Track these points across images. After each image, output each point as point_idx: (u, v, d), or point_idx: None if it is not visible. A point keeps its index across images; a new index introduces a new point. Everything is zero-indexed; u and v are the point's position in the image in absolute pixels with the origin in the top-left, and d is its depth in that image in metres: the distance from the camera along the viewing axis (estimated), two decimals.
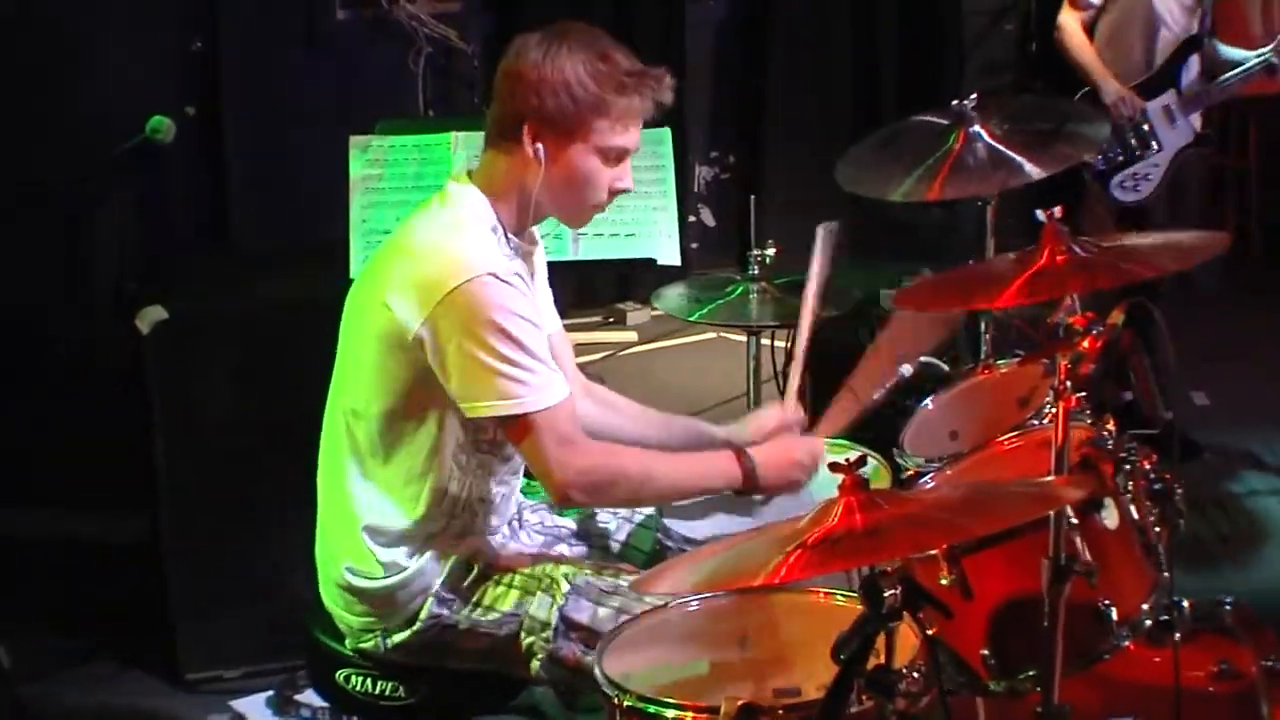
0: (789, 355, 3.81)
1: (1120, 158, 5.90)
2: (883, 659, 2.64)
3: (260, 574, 4.74)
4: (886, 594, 2.56)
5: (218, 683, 4.86)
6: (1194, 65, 5.87)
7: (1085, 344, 3.00)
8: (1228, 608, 3.67)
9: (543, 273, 3.66)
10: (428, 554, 3.40)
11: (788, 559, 2.51)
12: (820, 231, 4.01)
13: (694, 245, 8.44)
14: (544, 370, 3.27)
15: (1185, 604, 3.41)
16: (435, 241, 3.32)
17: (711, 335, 7.51)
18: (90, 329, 5.98)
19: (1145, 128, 5.88)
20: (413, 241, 3.37)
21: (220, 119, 6.92)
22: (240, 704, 4.72)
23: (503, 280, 3.23)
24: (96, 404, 5.83)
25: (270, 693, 4.71)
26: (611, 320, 8.09)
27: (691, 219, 8.54)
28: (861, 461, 2.66)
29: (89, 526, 5.74)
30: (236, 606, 4.83)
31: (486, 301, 3.21)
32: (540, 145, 3.31)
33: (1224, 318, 7.73)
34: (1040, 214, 3.09)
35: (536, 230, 3.58)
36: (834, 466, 2.67)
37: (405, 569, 3.40)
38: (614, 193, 3.42)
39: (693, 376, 7.31)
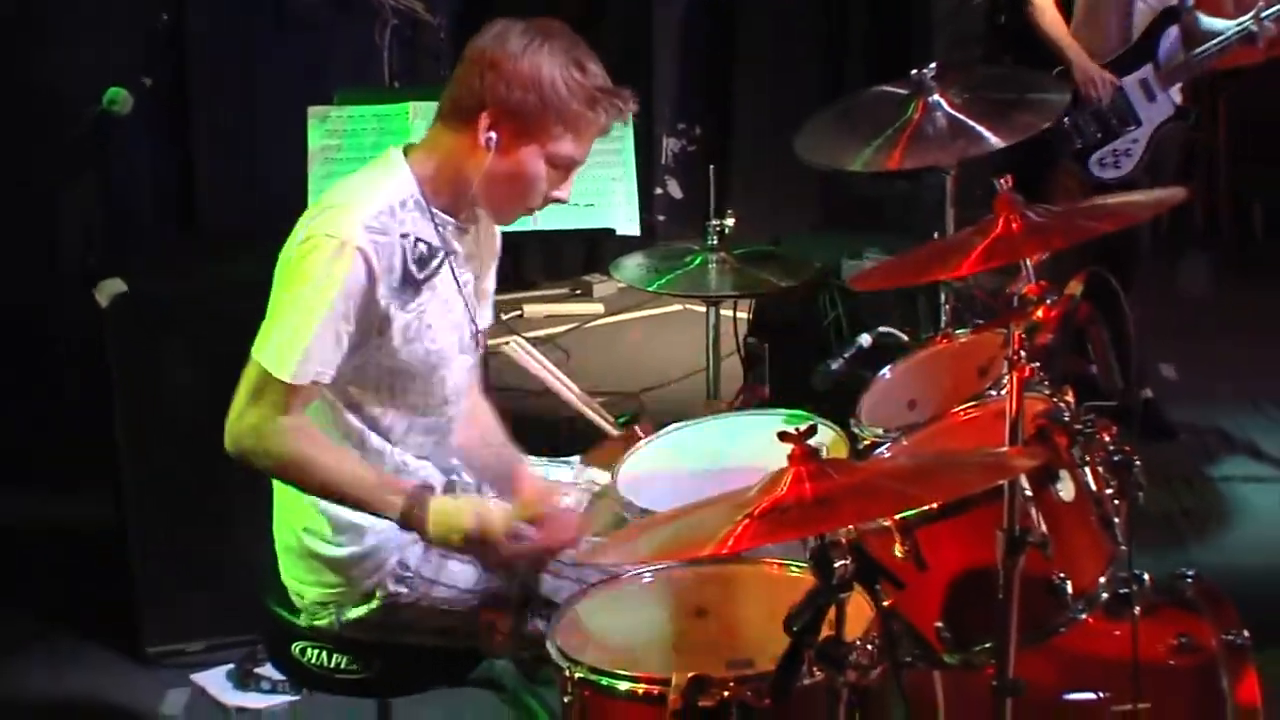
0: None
1: (1099, 135, 5.85)
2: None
3: (222, 548, 4.70)
4: (837, 565, 2.54)
5: (179, 656, 4.85)
6: (1173, 37, 5.82)
7: (1040, 314, 2.99)
8: (1189, 581, 3.63)
9: (492, 251, 3.60)
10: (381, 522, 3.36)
11: (736, 528, 2.50)
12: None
13: (661, 218, 8.42)
14: (314, 350, 3.18)
15: (1146, 577, 3.38)
16: (331, 201, 3.31)
17: (677, 307, 7.49)
18: (55, 305, 5.95)
19: (1123, 104, 5.84)
20: (321, 200, 3.38)
21: (187, 93, 6.90)
22: (201, 677, 4.68)
23: (359, 248, 3.18)
24: (61, 380, 5.82)
25: (231, 666, 4.69)
26: (578, 292, 8.07)
27: (658, 191, 8.51)
28: (811, 431, 2.64)
29: (52, 501, 5.73)
30: (198, 581, 4.81)
31: (317, 259, 3.17)
32: (494, 134, 3.26)
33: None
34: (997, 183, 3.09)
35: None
36: (784, 436, 2.65)
37: (361, 532, 3.36)
38: (549, 200, 3.38)
39: (657, 349, 7.30)
